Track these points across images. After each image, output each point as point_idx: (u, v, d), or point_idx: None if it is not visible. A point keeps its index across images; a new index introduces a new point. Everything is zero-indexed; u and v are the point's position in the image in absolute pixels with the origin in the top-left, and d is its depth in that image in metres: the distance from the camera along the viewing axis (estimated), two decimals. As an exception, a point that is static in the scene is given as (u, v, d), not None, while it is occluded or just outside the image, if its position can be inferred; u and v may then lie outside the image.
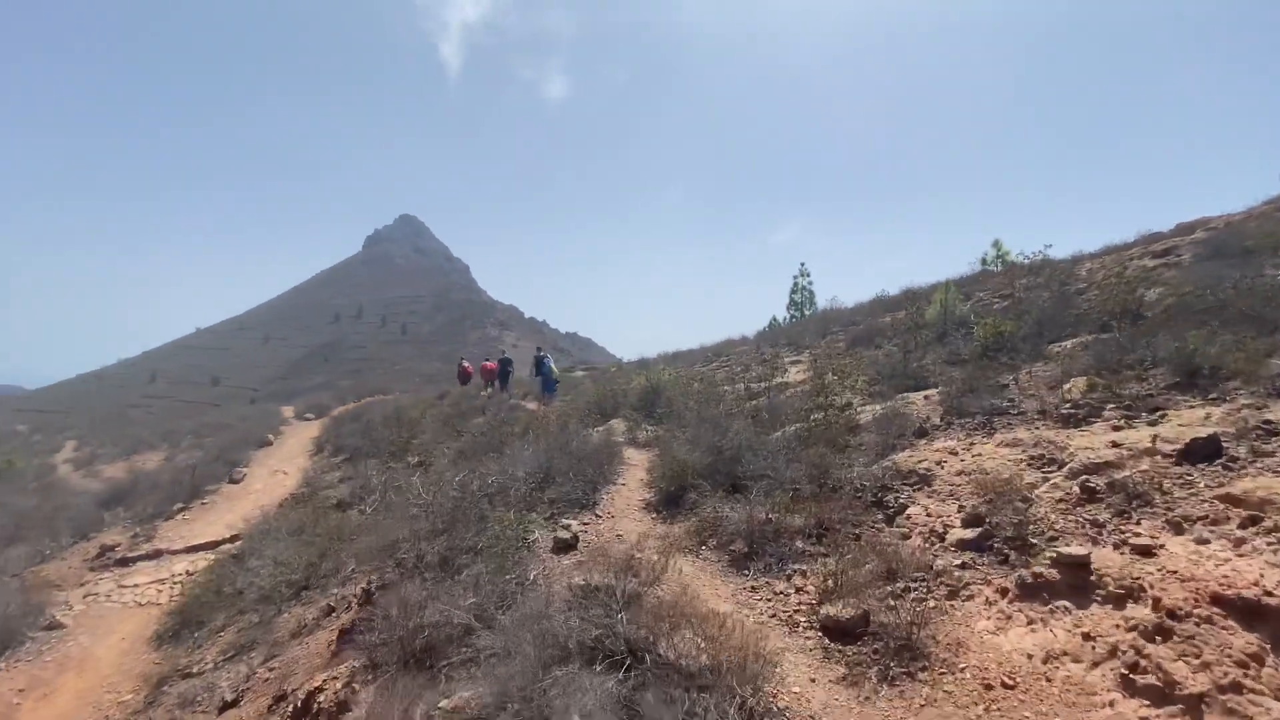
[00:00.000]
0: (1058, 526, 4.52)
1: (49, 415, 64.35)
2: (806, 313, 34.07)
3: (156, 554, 10.80)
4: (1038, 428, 6.37)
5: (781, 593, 4.87)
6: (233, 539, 10.48)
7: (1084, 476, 4.93)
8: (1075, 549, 4.06)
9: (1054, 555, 4.10)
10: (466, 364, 21.22)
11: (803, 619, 4.47)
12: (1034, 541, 4.46)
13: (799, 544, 5.46)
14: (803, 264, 34.27)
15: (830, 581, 4.66)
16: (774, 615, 4.58)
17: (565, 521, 6.23)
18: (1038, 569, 4.14)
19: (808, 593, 4.77)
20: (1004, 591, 4.16)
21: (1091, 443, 5.49)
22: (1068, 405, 6.61)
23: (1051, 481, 5.14)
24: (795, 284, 34.06)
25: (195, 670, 7.09)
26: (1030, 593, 4.03)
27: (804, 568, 5.11)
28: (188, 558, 10.51)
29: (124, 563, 10.61)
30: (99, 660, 8.03)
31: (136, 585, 9.71)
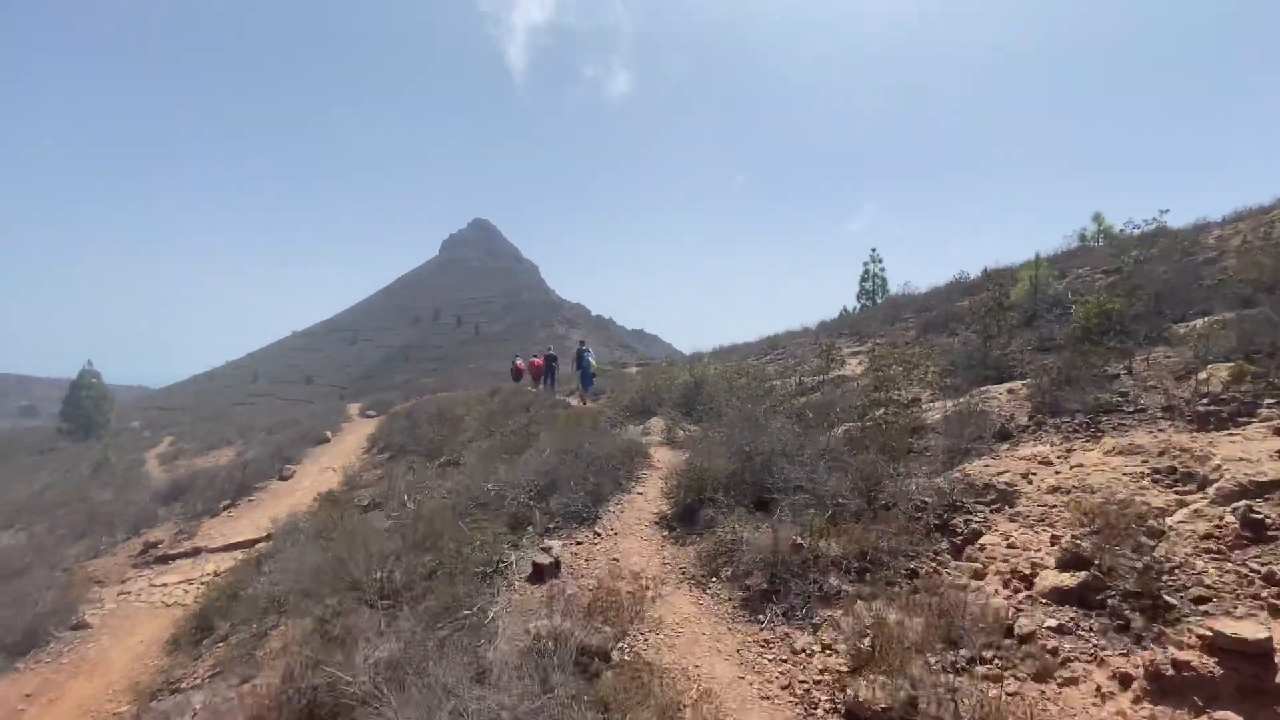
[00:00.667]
0: (1209, 580, 3.06)
1: (166, 412, 70.39)
2: (878, 301, 31.71)
3: (195, 552, 10.72)
4: (1164, 430, 4.77)
5: (802, 651, 3.64)
6: (267, 538, 10.25)
7: (1242, 502, 3.42)
8: (1244, 625, 2.63)
9: (1207, 632, 2.68)
10: (519, 361, 20.77)
11: (824, 696, 3.23)
12: (1171, 602, 3.02)
13: (833, 581, 4.20)
14: (874, 250, 31.86)
15: (868, 642, 3.41)
16: (787, 686, 3.36)
17: (548, 542, 5.23)
18: (1181, 652, 2.73)
19: (836, 653, 3.53)
20: (1125, 680, 2.77)
21: (1247, 451, 3.92)
22: (1205, 400, 4.95)
23: (1192, 507, 3.64)
24: (866, 271, 31.71)
25: (185, 685, 6.63)
26: (1170, 690, 2.62)
27: (836, 615, 3.85)
28: (222, 556, 10.34)
29: (164, 560, 10.58)
30: (111, 665, 7.78)
31: (166, 585, 9.56)
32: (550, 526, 5.86)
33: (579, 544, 5.38)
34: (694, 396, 11.89)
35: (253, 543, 10.47)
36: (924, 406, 7.96)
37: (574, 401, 15.93)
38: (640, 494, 6.99)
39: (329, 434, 18.72)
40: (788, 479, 5.60)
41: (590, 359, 15.73)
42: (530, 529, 5.71)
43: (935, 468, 5.58)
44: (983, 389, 7.36)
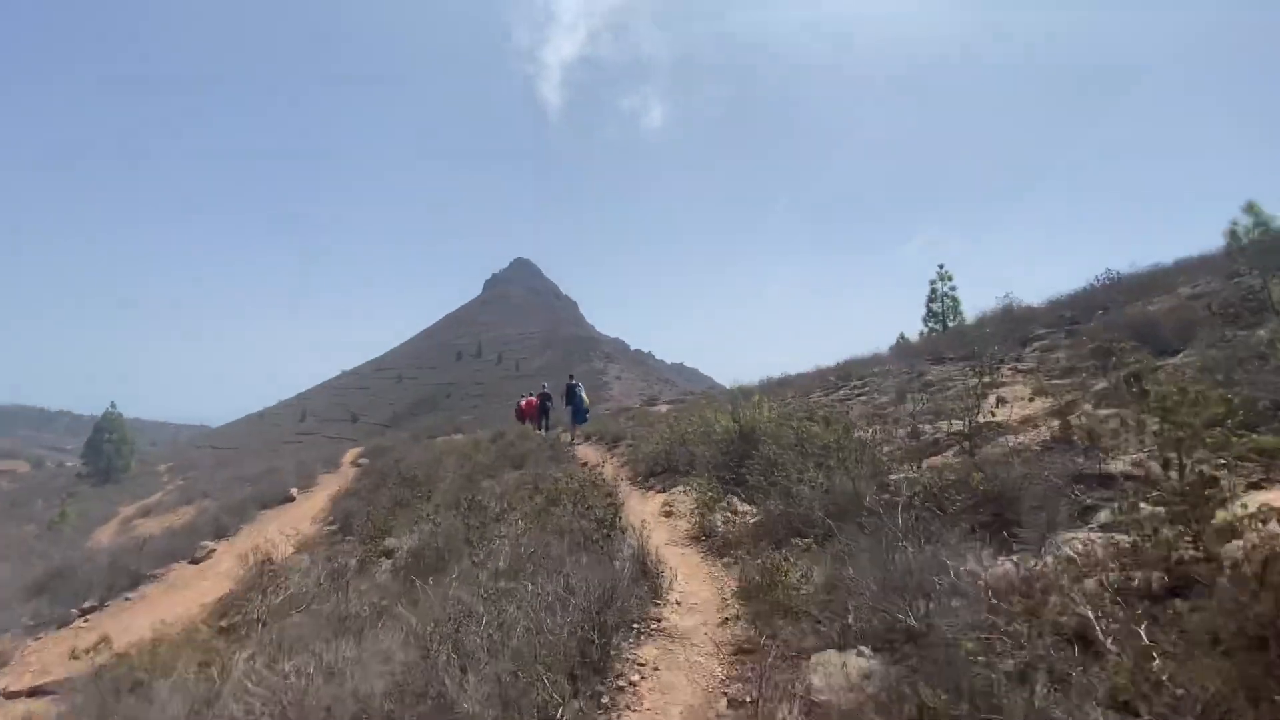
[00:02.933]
0: None
1: (216, 451, 69.58)
2: (949, 323, 26.67)
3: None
4: None
5: None
6: (61, 686, 6.44)
7: None
8: None
9: None
10: (524, 400, 16.99)
11: None
12: None
13: None
14: (941, 266, 26.96)
15: None
16: None
17: None
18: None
19: None
20: None
21: None
22: None
23: None
24: (933, 290, 26.77)
25: None
26: None
27: None
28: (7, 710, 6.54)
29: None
30: None
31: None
32: None
33: None
34: (741, 451, 7.61)
35: (42, 692, 6.57)
36: (1233, 494, 3.53)
37: (564, 436, 14.35)
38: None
39: (294, 492, 15.03)
40: None
41: (581, 393, 13.88)
42: None
43: None
44: None
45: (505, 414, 40.77)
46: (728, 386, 20.65)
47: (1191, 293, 8.41)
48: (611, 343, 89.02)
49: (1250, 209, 15.08)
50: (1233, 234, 15.34)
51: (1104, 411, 5.16)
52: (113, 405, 35.89)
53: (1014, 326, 10.54)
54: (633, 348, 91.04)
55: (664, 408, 18.55)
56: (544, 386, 16.49)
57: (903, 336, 28.64)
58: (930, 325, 27.01)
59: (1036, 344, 9.05)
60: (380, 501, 10.43)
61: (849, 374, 11.14)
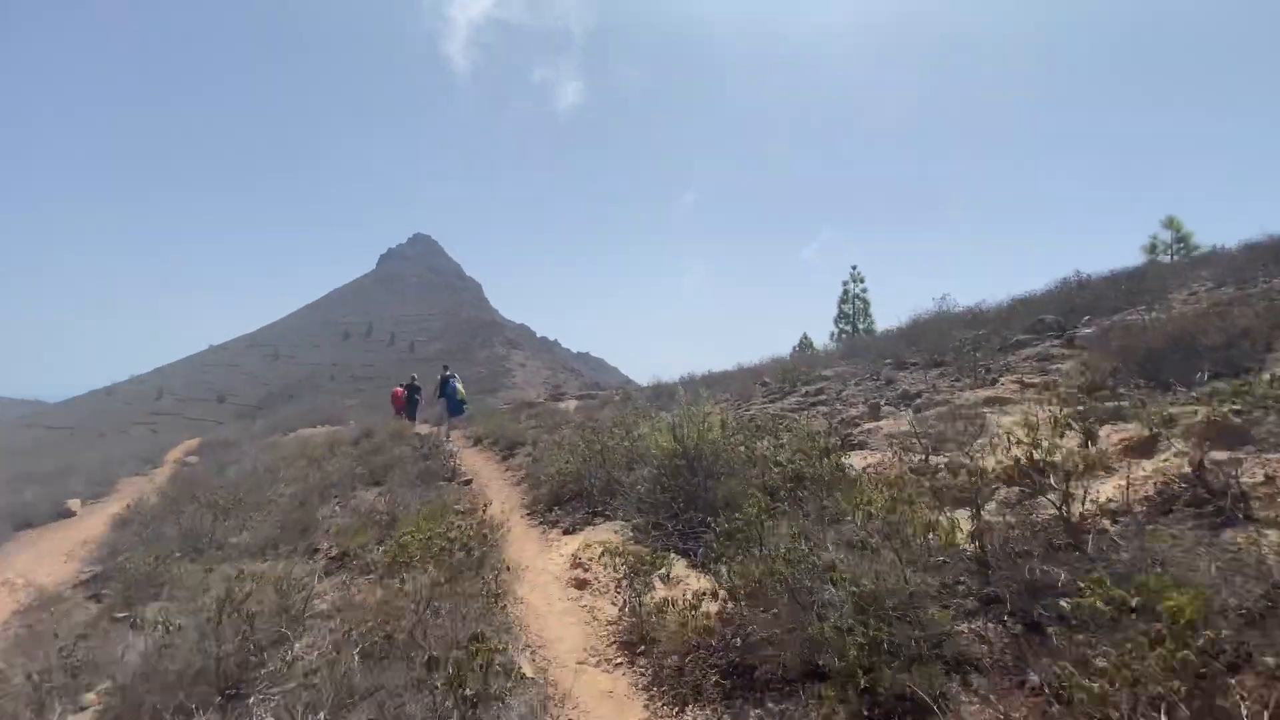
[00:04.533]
0: None
1: (55, 432, 57.96)
2: (859, 326, 26.24)
3: None
4: None
5: None
6: None
7: None
8: None
9: None
10: (400, 389, 14.04)
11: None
12: None
13: None
14: (855, 268, 26.48)
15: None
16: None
17: None
18: None
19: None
20: None
21: None
22: None
23: None
24: (845, 291, 26.24)
25: None
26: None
27: None
28: None
29: None
30: None
31: None
32: None
33: None
34: (687, 482, 5.35)
35: None
36: None
37: (424, 429, 12.90)
38: None
39: (75, 504, 10.96)
40: None
41: (457, 384, 12.41)
42: None
43: None
44: None
45: (387, 400, 36.34)
46: (643, 384, 18.47)
47: (1195, 295, 7.19)
48: (516, 328, 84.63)
49: (1170, 223, 15.14)
50: (1152, 248, 15.36)
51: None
52: None
53: (958, 329, 9.12)
54: (538, 335, 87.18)
55: (572, 404, 16.02)
56: (413, 378, 14.97)
57: (806, 338, 27.98)
58: (841, 326, 26.45)
59: (1022, 351, 7.56)
60: (162, 539, 7.12)
61: (792, 377, 9.29)
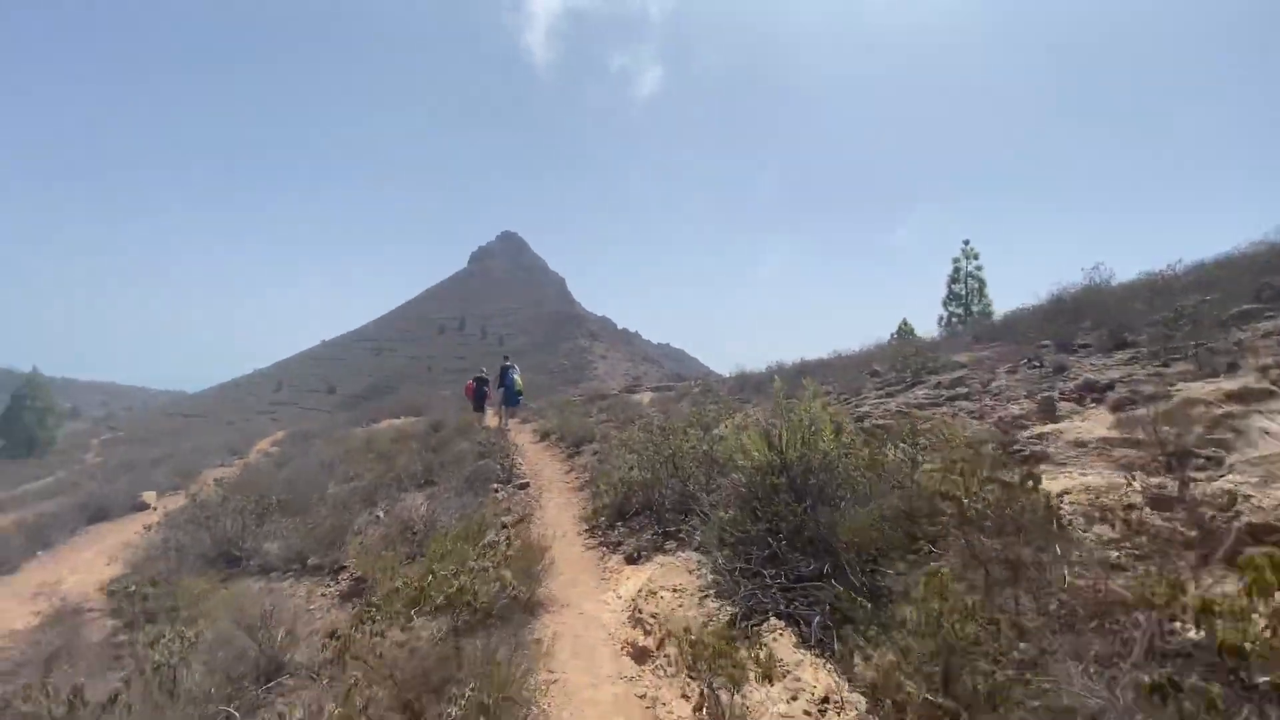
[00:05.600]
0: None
1: (191, 419, 64.89)
2: (973, 307, 23.02)
3: None
4: None
5: None
6: None
7: None
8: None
9: None
10: (471, 382, 13.40)
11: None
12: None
13: None
14: (967, 242, 23.27)
15: None
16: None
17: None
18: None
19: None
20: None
21: None
22: None
23: None
24: (956, 270, 23.09)
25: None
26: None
27: None
28: None
29: None
30: None
31: None
32: None
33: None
34: (788, 506, 3.79)
35: None
36: None
37: (492, 422, 12.67)
38: None
39: (152, 496, 10.96)
40: None
41: (515, 375, 12.40)
42: None
43: None
44: None
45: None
46: (725, 374, 16.78)
47: None
48: (597, 320, 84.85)
49: None
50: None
51: None
52: (35, 369, 31.32)
53: (1139, 301, 6.78)
54: (619, 326, 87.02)
55: (647, 396, 14.68)
56: (483, 370, 14.07)
57: (905, 325, 24.94)
58: (951, 309, 23.34)
59: (1257, 326, 5.30)
60: (195, 544, 6.46)
61: (915, 364, 7.35)
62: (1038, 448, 4.52)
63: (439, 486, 7.38)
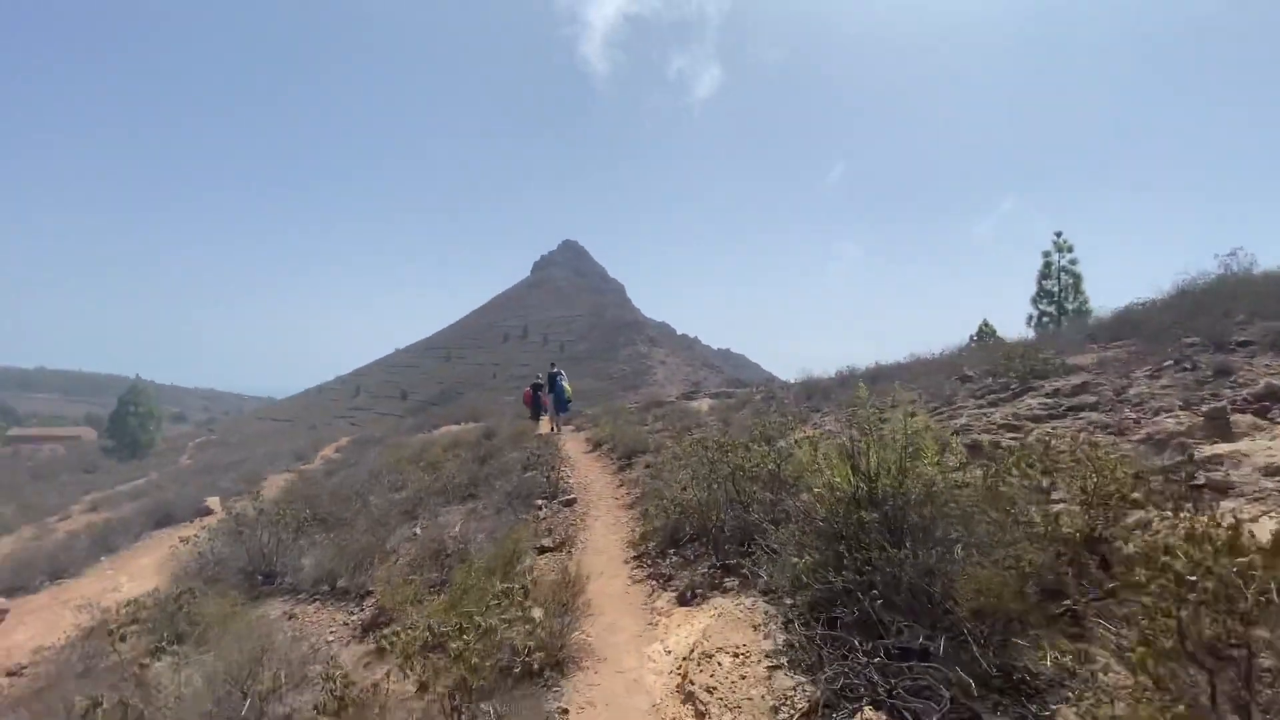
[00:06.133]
0: None
1: (279, 424, 69.39)
2: (1068, 305, 20.78)
3: None
4: None
5: None
6: None
7: None
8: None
9: None
10: (529, 389, 13.26)
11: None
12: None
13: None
14: (1059, 234, 21.08)
15: None
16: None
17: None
18: None
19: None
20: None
21: None
22: None
23: None
24: (1047, 265, 20.93)
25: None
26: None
27: None
28: None
29: None
30: None
31: None
32: None
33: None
34: (877, 543, 2.93)
35: None
36: None
37: (542, 428, 12.76)
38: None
39: (213, 504, 11.13)
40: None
41: (563, 382, 12.56)
42: None
43: None
44: None
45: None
46: (790, 380, 15.68)
47: None
48: (657, 326, 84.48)
49: None
50: None
51: None
52: (138, 377, 33.91)
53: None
54: (679, 332, 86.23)
55: (705, 403, 13.85)
56: (539, 376, 13.91)
57: (986, 325, 22.82)
58: (1042, 307, 21.18)
59: None
60: (232, 558, 6.21)
61: (1021, 367, 6.17)
62: (1217, 475, 3.44)
63: (481, 501, 6.88)
